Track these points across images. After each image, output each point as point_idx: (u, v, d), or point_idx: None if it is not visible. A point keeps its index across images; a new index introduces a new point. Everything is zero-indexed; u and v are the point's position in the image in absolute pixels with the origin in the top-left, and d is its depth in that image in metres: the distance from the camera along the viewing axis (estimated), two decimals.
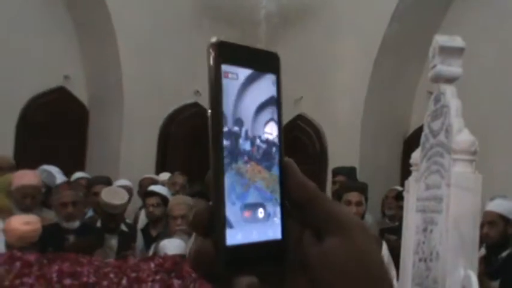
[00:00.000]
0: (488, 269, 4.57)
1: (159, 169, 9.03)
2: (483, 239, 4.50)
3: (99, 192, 6.09)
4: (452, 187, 3.21)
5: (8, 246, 4.34)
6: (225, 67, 0.57)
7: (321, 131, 9.94)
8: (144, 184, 7.00)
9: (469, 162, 3.23)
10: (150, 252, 5.04)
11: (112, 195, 5.43)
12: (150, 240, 5.68)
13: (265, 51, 0.62)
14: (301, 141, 10.03)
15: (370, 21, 9.08)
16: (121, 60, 9.23)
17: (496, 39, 7.90)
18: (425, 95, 8.36)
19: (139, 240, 5.72)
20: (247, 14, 9.90)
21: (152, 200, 6.01)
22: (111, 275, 2.83)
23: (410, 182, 4.06)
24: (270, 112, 0.62)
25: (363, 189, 5.32)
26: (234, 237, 0.55)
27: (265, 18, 9.99)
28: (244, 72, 0.58)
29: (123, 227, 5.56)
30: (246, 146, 0.58)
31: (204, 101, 9.72)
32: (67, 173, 7.58)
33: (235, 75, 0.57)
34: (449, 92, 3.55)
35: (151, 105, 9.30)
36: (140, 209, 6.67)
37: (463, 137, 3.30)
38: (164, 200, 5.99)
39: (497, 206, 4.88)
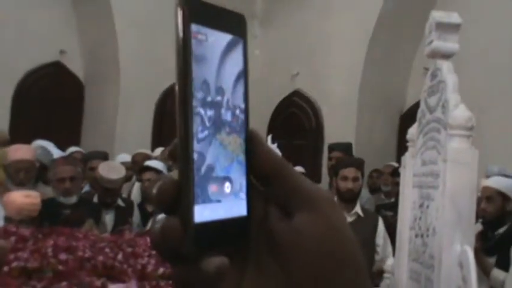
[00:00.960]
0: (484, 245, 4.58)
1: (155, 144, 9.01)
2: (480, 214, 4.50)
3: (96, 167, 6.07)
4: (449, 162, 3.19)
5: (7, 220, 4.34)
6: (194, 27, 0.51)
7: (317, 107, 9.91)
8: (137, 159, 6.96)
9: (465, 137, 3.21)
10: (147, 228, 5.03)
11: (109, 170, 5.41)
12: (147, 215, 5.66)
13: (233, 12, 0.56)
14: (297, 117, 10.01)
15: None
16: (117, 35, 9.18)
17: (491, 15, 7.86)
18: (422, 71, 8.33)
19: (136, 215, 5.70)
20: None
21: (148, 175, 5.98)
22: (107, 250, 2.80)
23: (407, 157, 4.04)
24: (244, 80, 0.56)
25: (359, 164, 5.30)
26: (202, 214, 0.50)
27: None
28: (214, 34, 0.53)
29: (120, 202, 5.54)
30: (227, 116, 0.54)
31: None
32: (62, 147, 7.55)
33: (205, 36, 0.52)
34: (446, 67, 3.52)
35: (148, 80, 9.25)
36: (133, 184, 6.64)
37: (459, 113, 3.27)
38: (160, 174, 5.97)
39: (497, 182, 4.87)
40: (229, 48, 0.55)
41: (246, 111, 0.56)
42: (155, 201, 0.50)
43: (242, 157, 0.54)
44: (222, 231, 0.52)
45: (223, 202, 0.52)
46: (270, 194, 0.54)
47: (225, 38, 0.54)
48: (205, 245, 0.50)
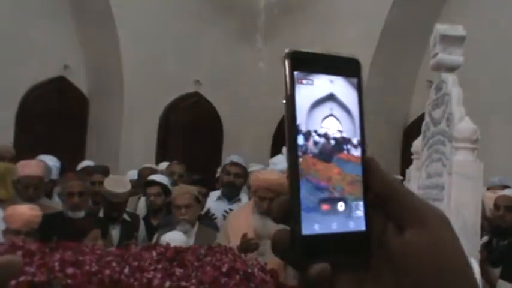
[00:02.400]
0: (490, 256, 4.57)
1: (159, 158, 9.03)
2: (495, 223, 4.48)
3: (97, 181, 6.09)
4: (454, 175, 3.21)
5: (8, 232, 4.38)
6: (298, 74, 0.61)
7: None
8: (143, 174, 6.98)
9: (470, 150, 3.23)
10: (153, 242, 5.03)
11: (115, 184, 5.43)
12: (151, 229, 5.68)
13: (343, 57, 0.67)
14: None
15: (370, 9, 9.06)
16: (121, 50, 9.22)
17: (495, 27, 7.89)
18: (425, 84, 8.35)
19: (142, 229, 5.71)
20: (247, 3, 9.88)
21: (153, 190, 5.99)
22: (113, 264, 2.82)
23: (412, 170, 4.06)
24: (328, 108, 0.63)
25: None
26: (311, 227, 0.58)
27: (264, 7, 9.96)
28: (320, 78, 0.63)
29: (126, 217, 5.55)
30: (342, 145, 0.62)
31: (204, 91, 9.73)
32: (66, 162, 7.58)
33: (310, 81, 0.62)
34: (451, 80, 3.55)
35: (151, 95, 9.29)
36: (139, 198, 6.66)
37: (464, 125, 3.29)
38: (165, 189, 5.98)
39: None
40: (339, 87, 0.63)
41: (362, 140, 0.65)
42: (272, 214, 0.60)
43: (359, 180, 0.62)
44: (336, 243, 0.60)
45: (335, 218, 0.60)
46: (387, 212, 0.62)
47: (333, 79, 0.63)
48: (313, 255, 0.59)
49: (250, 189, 5.09)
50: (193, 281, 2.66)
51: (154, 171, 6.99)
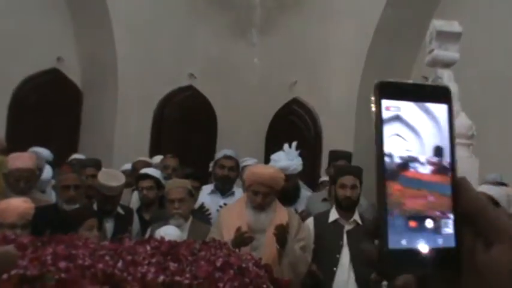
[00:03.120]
0: None
1: (153, 152, 9.00)
2: None
3: (90, 175, 6.07)
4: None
5: (1, 228, 4.35)
6: (385, 102, 0.68)
7: (316, 115, 9.93)
8: (137, 167, 6.96)
9: (466, 146, 3.22)
10: (146, 236, 5.01)
11: (108, 177, 5.41)
12: (144, 223, 5.66)
13: (433, 85, 0.71)
14: (296, 125, 10.02)
15: (365, 5, 9.05)
16: (115, 42, 9.18)
17: (489, 24, 7.89)
18: (420, 80, 8.35)
19: (136, 223, 5.70)
20: None
21: (145, 183, 5.97)
22: (107, 258, 2.80)
23: None
24: (435, 136, 0.69)
25: (357, 172, 5.31)
26: (398, 242, 0.65)
27: (260, 2, 9.93)
28: (408, 105, 0.68)
29: (120, 210, 5.54)
30: (431, 167, 0.67)
31: (198, 84, 9.71)
32: (60, 155, 7.55)
33: (397, 108, 0.68)
34: (447, 76, 3.54)
35: (145, 88, 9.26)
36: (132, 191, 6.64)
37: (460, 121, 3.29)
38: (157, 183, 5.96)
39: (488, 189, 4.89)
40: (428, 113, 0.69)
41: (452, 162, 0.69)
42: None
43: (448, 198, 0.67)
44: (421, 258, 0.65)
45: (423, 235, 0.66)
46: (477, 229, 0.67)
47: (422, 106, 0.69)
48: (400, 267, 0.65)
49: (244, 183, 5.08)
50: (188, 275, 2.65)
51: (148, 165, 6.98)
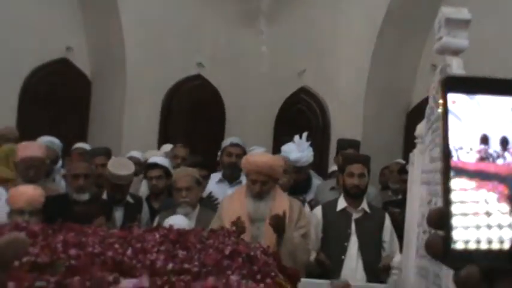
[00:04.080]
0: None
1: (162, 141, 9.02)
2: None
3: (100, 164, 6.10)
4: None
5: (12, 215, 4.40)
6: (451, 96, 0.68)
7: (324, 104, 9.91)
8: (148, 159, 6.96)
9: None
10: (154, 225, 5.04)
11: (118, 166, 5.44)
12: (153, 212, 5.68)
13: (500, 79, 0.71)
14: (304, 114, 10.01)
15: None
16: (124, 32, 9.18)
17: (499, 11, 7.84)
18: (428, 68, 8.33)
19: (145, 211, 5.72)
20: None
21: (155, 172, 5.98)
22: (116, 245, 2.82)
23: (415, 154, 4.04)
24: (482, 126, 0.69)
25: (365, 161, 5.31)
26: (463, 235, 0.65)
27: None
28: (474, 98, 0.68)
29: (129, 199, 5.56)
30: (484, 162, 0.68)
31: (207, 73, 9.70)
32: (69, 144, 7.59)
33: (463, 102, 0.68)
34: (455, 63, 3.52)
35: (154, 77, 9.26)
36: (141, 180, 6.66)
37: None
38: (166, 172, 5.97)
39: None
40: (496, 105, 0.69)
41: None
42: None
43: (493, 197, 0.67)
44: (485, 252, 0.66)
45: (486, 230, 0.66)
46: None
47: (490, 99, 0.69)
48: (464, 260, 0.66)
49: (243, 172, 5.08)
50: (196, 263, 2.66)
51: (139, 161, 6.88)
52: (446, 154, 0.67)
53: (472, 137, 0.67)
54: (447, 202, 0.66)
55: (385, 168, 7.44)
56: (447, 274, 3.22)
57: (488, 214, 0.66)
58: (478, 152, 0.67)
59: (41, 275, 1.91)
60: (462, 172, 0.66)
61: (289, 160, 5.68)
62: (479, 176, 0.66)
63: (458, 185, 0.66)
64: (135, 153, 7.12)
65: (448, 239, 0.65)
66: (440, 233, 0.67)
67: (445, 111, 0.67)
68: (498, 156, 0.67)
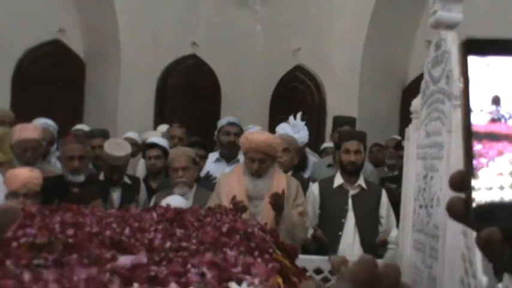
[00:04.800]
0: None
1: (157, 121, 9.02)
2: None
3: (97, 145, 6.10)
4: (454, 133, 3.20)
5: (10, 195, 4.40)
6: (472, 58, 0.67)
7: (320, 82, 9.90)
8: (146, 139, 6.95)
9: None
10: (151, 205, 5.05)
11: (115, 147, 5.43)
12: (151, 192, 5.70)
13: None
14: (299, 92, 10.01)
15: None
16: (117, 11, 9.14)
17: None
18: (424, 44, 8.31)
19: (143, 192, 5.73)
20: None
21: (153, 152, 5.98)
22: (114, 225, 2.83)
23: (411, 129, 4.05)
24: (503, 89, 0.69)
25: (361, 137, 5.33)
26: (485, 196, 0.66)
27: None
28: (494, 60, 0.68)
29: (126, 180, 5.57)
30: (504, 124, 0.68)
31: (201, 53, 9.67)
32: (64, 126, 7.58)
33: (484, 64, 0.68)
34: (450, 37, 3.51)
35: (149, 57, 9.23)
36: (138, 160, 6.67)
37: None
38: (165, 152, 5.98)
39: None
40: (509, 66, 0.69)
41: None
42: (449, 182, 0.70)
43: None
44: (509, 213, 0.66)
45: (509, 190, 0.67)
46: None
47: (502, 59, 0.69)
48: (486, 221, 0.66)
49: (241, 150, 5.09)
50: (194, 241, 2.66)
51: (136, 142, 6.89)
52: (468, 117, 0.67)
53: (483, 99, 0.67)
54: (468, 164, 0.67)
55: (374, 146, 7.45)
56: (443, 247, 3.25)
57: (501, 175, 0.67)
58: (490, 113, 0.67)
59: (39, 254, 1.92)
60: (483, 133, 0.67)
61: (294, 140, 5.66)
62: (489, 137, 0.67)
63: (479, 145, 0.67)
64: (132, 134, 7.11)
65: (469, 200, 0.66)
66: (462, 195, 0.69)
67: (466, 76, 0.68)
68: (510, 117, 0.68)
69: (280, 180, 4.73)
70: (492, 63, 0.68)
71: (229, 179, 4.85)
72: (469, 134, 0.67)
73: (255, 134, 5.09)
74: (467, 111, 0.67)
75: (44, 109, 8.00)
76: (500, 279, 2.73)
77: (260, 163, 4.66)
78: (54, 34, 9.52)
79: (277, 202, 4.52)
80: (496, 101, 0.68)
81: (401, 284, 0.65)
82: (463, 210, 0.67)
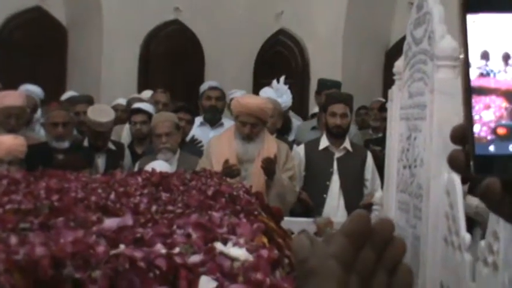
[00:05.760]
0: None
1: (141, 88, 8.96)
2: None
3: (81, 111, 6.07)
4: (436, 93, 3.22)
5: None
6: (471, 16, 0.68)
7: (303, 46, 9.87)
8: (131, 104, 6.94)
9: (452, 68, 3.23)
10: (135, 169, 5.05)
11: (99, 113, 5.42)
12: (136, 157, 5.69)
13: None
14: (283, 56, 9.97)
15: None
16: None
17: None
18: (406, 5, 8.28)
19: (128, 158, 5.73)
20: None
21: (139, 117, 5.96)
22: (99, 190, 2.83)
23: (394, 90, 4.06)
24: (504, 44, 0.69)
25: (347, 100, 5.33)
26: (486, 148, 0.68)
27: None
28: (493, 17, 0.69)
29: (111, 146, 5.56)
30: (505, 78, 0.69)
31: (184, 18, 9.60)
32: (47, 93, 7.53)
33: (483, 21, 0.68)
34: None
35: (131, 23, 9.14)
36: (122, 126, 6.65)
37: (445, 43, 3.28)
38: (150, 117, 5.96)
39: None
40: (499, 23, 0.69)
41: None
42: (450, 137, 0.71)
43: None
44: (508, 162, 0.68)
45: (510, 141, 0.68)
46: None
47: (490, 16, 0.69)
48: (486, 172, 0.68)
49: (232, 114, 5.10)
50: (180, 205, 2.67)
51: (142, 101, 6.94)
52: (467, 71, 0.68)
53: (471, 55, 0.68)
54: (469, 117, 0.68)
55: (360, 108, 7.46)
56: (427, 206, 3.29)
57: (510, 127, 0.69)
58: (478, 68, 0.68)
59: (25, 218, 1.93)
60: (482, 89, 0.68)
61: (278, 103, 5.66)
62: (477, 92, 0.68)
63: (478, 100, 0.69)
64: (122, 101, 7.13)
65: (471, 151, 0.68)
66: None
67: (465, 33, 0.68)
68: (499, 72, 0.69)
69: (270, 144, 4.75)
70: (478, 20, 0.69)
71: (219, 142, 4.87)
72: (469, 89, 0.68)
73: (247, 98, 5.10)
74: (467, 68, 0.68)
75: (26, 76, 7.92)
76: None
77: (252, 127, 4.68)
78: (35, 1, 9.39)
79: (269, 167, 4.55)
80: (485, 56, 0.69)
81: (394, 237, 0.66)
82: (463, 162, 0.69)
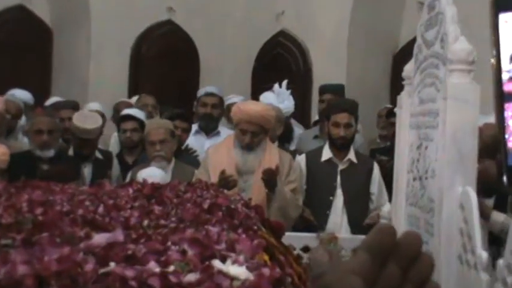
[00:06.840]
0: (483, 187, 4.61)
1: (132, 93, 8.95)
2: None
3: (66, 117, 6.05)
4: (449, 99, 3.20)
5: None
6: (503, 15, 0.68)
7: (305, 48, 9.86)
8: (119, 109, 6.92)
9: (466, 72, 3.21)
10: (126, 181, 5.04)
11: (85, 119, 5.40)
12: (126, 167, 5.67)
13: None
14: (284, 58, 9.97)
15: None
16: None
17: None
18: (415, 6, 8.28)
19: (116, 167, 5.71)
20: None
21: (129, 125, 5.94)
22: (87, 203, 2.80)
23: (403, 96, 4.05)
24: None
25: (352, 108, 5.26)
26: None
27: None
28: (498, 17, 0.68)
29: (98, 154, 5.54)
30: None
31: (178, 19, 9.59)
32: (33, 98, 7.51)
33: (504, 21, 0.68)
34: None
35: (121, 24, 9.13)
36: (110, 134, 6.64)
37: (459, 46, 3.27)
38: (141, 124, 5.94)
39: None
40: None
41: None
42: (481, 149, 0.66)
43: None
44: None
45: None
46: None
47: None
48: None
49: (232, 122, 5.08)
50: (173, 218, 2.65)
51: (131, 106, 6.94)
52: (498, 78, 0.69)
53: (502, 57, 0.69)
54: (501, 126, 0.69)
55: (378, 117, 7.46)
56: (439, 221, 3.26)
57: None
58: (508, 72, 0.70)
59: (6, 233, 1.90)
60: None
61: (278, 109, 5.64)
62: (507, 98, 0.69)
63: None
64: (95, 106, 7.09)
65: (505, 162, 0.68)
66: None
67: (497, 35, 0.70)
68: None
69: (272, 155, 4.71)
70: (511, 19, 0.68)
71: (218, 151, 4.84)
72: (500, 96, 0.68)
73: (248, 104, 5.07)
74: (499, 72, 0.68)
75: (8, 79, 7.90)
76: None
77: (252, 136, 4.64)
78: None
79: (271, 178, 4.51)
80: None
81: (422, 253, 0.64)
82: (495, 173, 0.68)
